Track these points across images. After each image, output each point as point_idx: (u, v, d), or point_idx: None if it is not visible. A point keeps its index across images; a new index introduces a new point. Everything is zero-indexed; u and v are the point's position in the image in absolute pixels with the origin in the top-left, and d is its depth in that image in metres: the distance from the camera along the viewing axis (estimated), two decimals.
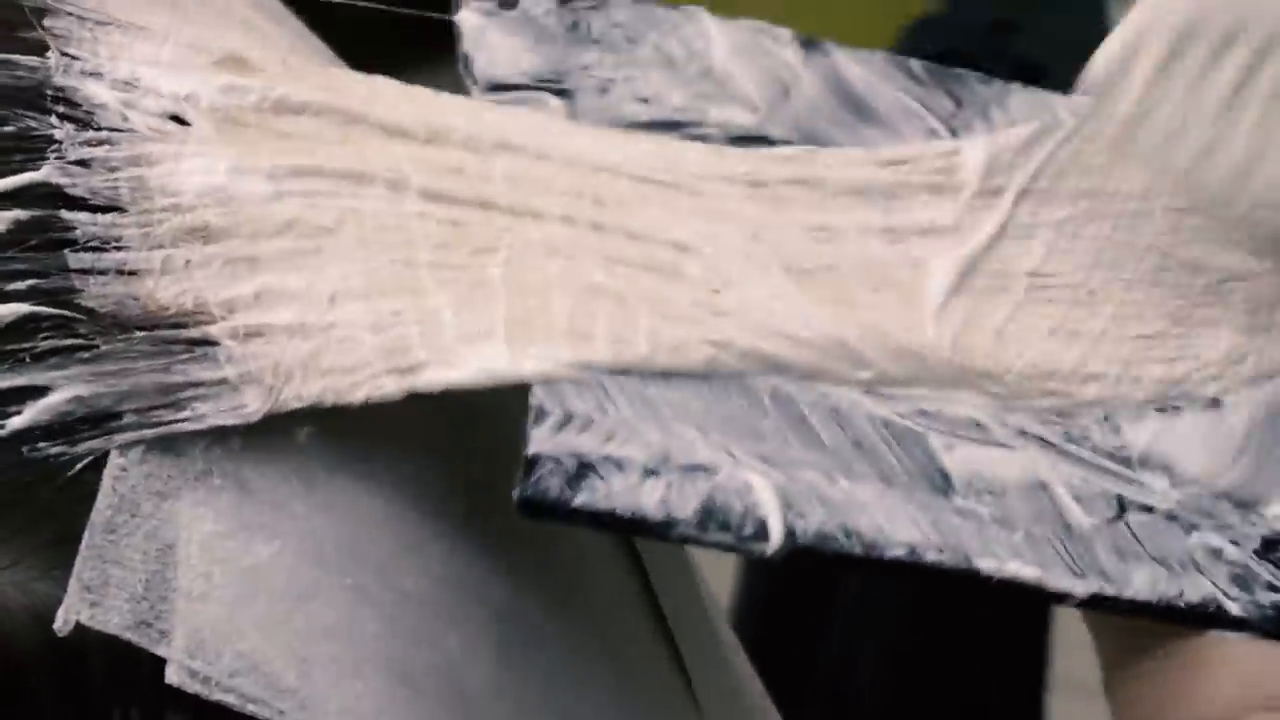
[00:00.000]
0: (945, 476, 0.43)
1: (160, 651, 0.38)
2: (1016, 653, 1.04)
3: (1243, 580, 0.43)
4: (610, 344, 0.42)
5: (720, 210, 0.45)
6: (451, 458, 0.44)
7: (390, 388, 0.39)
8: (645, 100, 0.48)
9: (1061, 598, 0.42)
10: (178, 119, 0.42)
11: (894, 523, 0.42)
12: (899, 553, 0.41)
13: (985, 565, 0.41)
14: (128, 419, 0.39)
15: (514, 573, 0.44)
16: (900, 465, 0.43)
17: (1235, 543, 0.44)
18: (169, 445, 0.39)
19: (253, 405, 0.39)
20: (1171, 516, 0.44)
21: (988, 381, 0.44)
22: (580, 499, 0.39)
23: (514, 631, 0.44)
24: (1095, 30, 0.91)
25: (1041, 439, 0.44)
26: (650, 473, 0.40)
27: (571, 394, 0.41)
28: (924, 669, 1.02)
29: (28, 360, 0.39)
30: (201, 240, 0.41)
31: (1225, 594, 0.43)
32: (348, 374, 0.40)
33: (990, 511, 0.42)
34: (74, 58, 0.42)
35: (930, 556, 0.41)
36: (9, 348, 0.38)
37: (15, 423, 0.38)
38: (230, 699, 0.39)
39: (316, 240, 0.41)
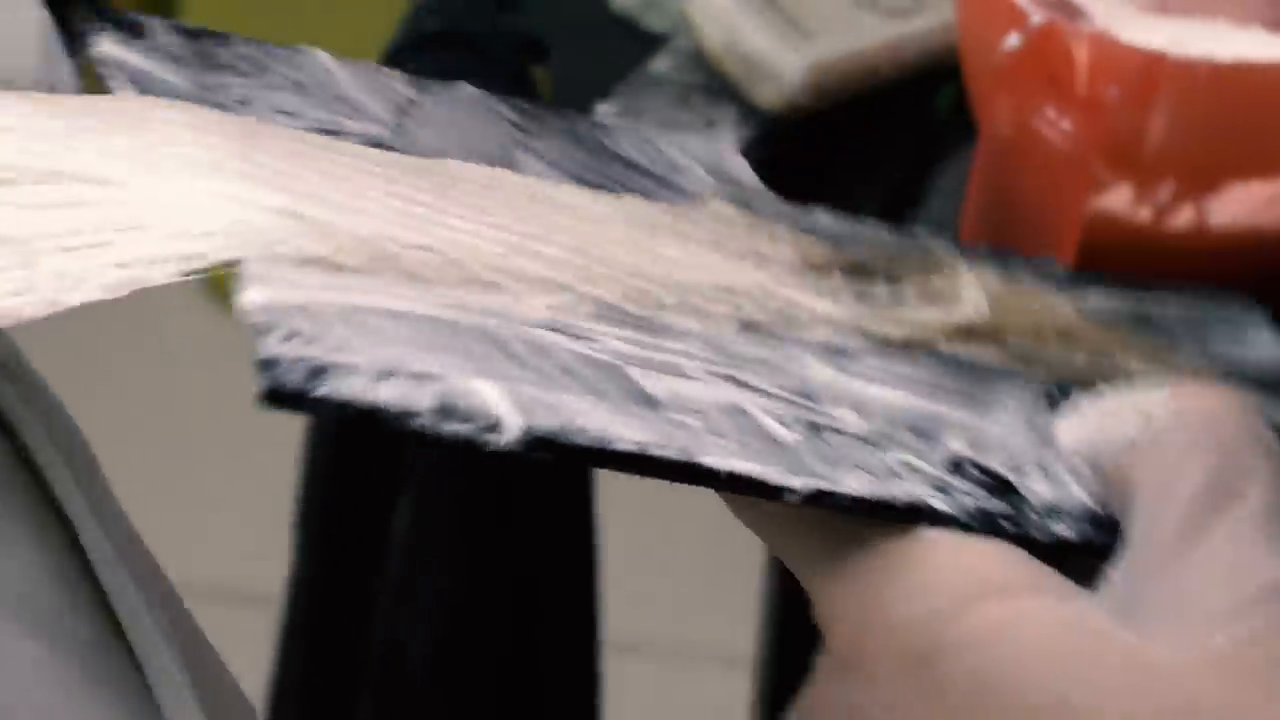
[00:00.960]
0: (651, 398, 0.44)
1: None
2: (568, 618, 1.05)
3: (940, 488, 0.46)
4: (12, 296, 0.42)
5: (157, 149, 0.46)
6: None
7: None
8: (288, 113, 0.51)
9: (782, 492, 0.44)
10: None
11: (617, 424, 0.43)
12: (629, 447, 0.43)
13: (710, 460, 0.43)
14: None
15: None
16: (607, 388, 0.44)
17: (925, 459, 0.47)
18: None
19: None
20: (863, 439, 0.46)
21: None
22: (323, 389, 0.41)
23: None
24: (595, 3, 0.92)
25: (731, 378, 0.47)
26: (383, 375, 0.42)
27: (295, 316, 0.42)
28: (475, 643, 1.03)
29: None
30: None
31: (930, 496, 0.45)
32: None
33: (701, 424, 0.44)
34: None
35: (656, 451, 0.43)
36: None
37: None
38: None
39: None
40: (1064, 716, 0.41)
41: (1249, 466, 0.45)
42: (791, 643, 1.05)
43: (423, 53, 0.90)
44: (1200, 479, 0.44)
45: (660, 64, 0.90)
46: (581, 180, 0.53)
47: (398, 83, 0.53)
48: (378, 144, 0.50)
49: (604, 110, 0.88)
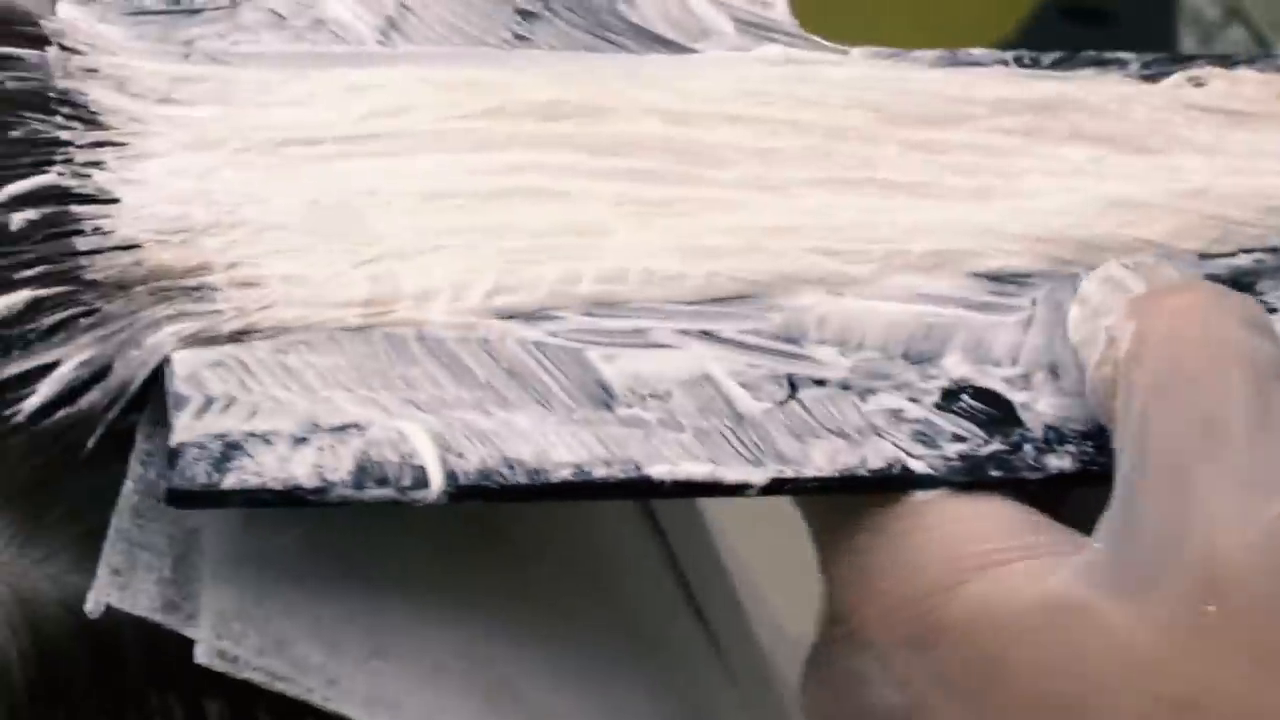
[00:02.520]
0: (605, 388, 0.43)
1: (188, 632, 0.40)
2: None
3: (925, 436, 0.43)
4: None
5: None
6: None
7: (352, 320, 0.43)
8: (260, 56, 0.47)
9: (740, 489, 0.42)
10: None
11: (556, 445, 0.41)
12: (566, 474, 0.41)
13: (656, 471, 0.41)
14: (120, 362, 0.40)
15: (546, 564, 0.46)
16: (557, 385, 0.43)
17: (914, 399, 0.44)
18: None
19: (227, 325, 0.41)
20: (845, 386, 0.44)
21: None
22: (229, 480, 0.39)
23: (544, 618, 0.46)
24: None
25: (704, 332, 0.44)
26: (300, 440, 0.40)
27: (210, 378, 0.41)
28: None
29: (35, 340, 0.41)
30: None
31: (909, 453, 0.43)
32: (330, 308, 0.43)
33: (656, 415, 0.42)
34: (72, 51, 0.45)
35: (599, 472, 0.41)
36: (17, 332, 0.40)
37: (30, 404, 0.40)
38: (258, 677, 0.40)
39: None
40: (1066, 715, 0.39)
41: (1231, 387, 0.40)
42: None
43: None
44: (1178, 413, 0.40)
45: None
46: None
47: None
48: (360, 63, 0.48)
49: None
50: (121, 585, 0.39)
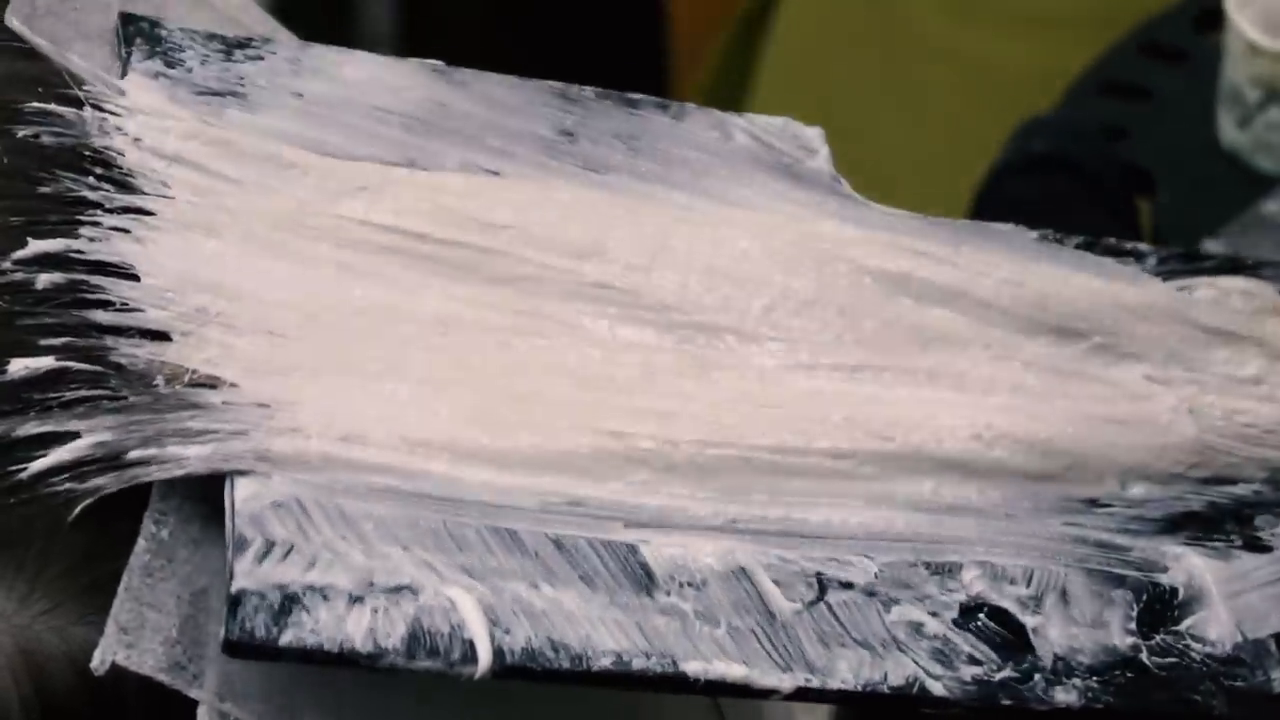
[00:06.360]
0: (647, 572, 0.44)
1: (193, 694, 0.40)
2: None
3: (944, 655, 0.45)
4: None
5: None
6: None
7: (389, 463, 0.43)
8: (283, 164, 0.47)
9: (768, 693, 0.43)
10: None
11: (599, 630, 0.42)
12: (606, 663, 0.41)
13: (692, 668, 0.43)
14: (136, 454, 0.41)
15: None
16: (602, 564, 0.44)
17: (934, 613, 0.45)
18: (206, 495, 0.42)
19: (253, 447, 0.42)
20: (871, 592, 0.45)
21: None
22: (287, 637, 0.39)
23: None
24: (1204, 140, 0.93)
25: (741, 520, 0.45)
26: (356, 599, 0.40)
27: (272, 519, 0.41)
28: None
29: (56, 408, 0.41)
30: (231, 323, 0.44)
31: (928, 673, 0.44)
32: (352, 442, 0.43)
33: (693, 606, 0.43)
34: (109, 113, 0.46)
35: (637, 664, 0.42)
36: (39, 397, 0.41)
37: (38, 465, 0.40)
38: None
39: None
40: None
41: None
42: None
43: (1029, 174, 0.87)
44: None
45: (1271, 205, 0.88)
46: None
47: (435, 81, 0.50)
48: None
49: (1210, 246, 0.85)
50: (129, 644, 0.39)
